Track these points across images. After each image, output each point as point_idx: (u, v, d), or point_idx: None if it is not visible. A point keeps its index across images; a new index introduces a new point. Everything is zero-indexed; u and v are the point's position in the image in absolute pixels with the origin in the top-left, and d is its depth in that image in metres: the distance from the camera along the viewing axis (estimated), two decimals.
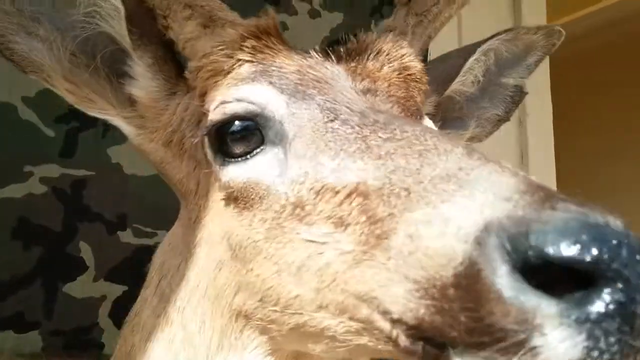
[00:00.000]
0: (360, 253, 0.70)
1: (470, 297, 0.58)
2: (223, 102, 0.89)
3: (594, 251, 0.53)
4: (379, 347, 0.72)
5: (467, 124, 1.32)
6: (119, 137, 1.93)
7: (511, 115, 1.36)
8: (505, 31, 1.28)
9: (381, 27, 1.21)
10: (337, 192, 0.75)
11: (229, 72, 0.92)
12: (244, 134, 0.88)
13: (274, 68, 0.91)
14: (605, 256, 0.53)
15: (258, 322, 0.88)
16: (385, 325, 0.69)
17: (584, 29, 4.03)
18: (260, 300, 0.85)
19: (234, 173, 0.87)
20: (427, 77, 1.07)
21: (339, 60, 1.00)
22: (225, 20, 0.97)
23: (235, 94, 0.89)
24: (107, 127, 1.91)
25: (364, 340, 0.74)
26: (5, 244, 1.76)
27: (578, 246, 0.53)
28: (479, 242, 0.58)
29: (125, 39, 0.98)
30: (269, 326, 0.86)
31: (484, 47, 1.26)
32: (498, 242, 0.57)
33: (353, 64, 1.00)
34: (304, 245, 0.77)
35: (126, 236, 1.73)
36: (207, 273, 0.95)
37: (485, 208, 0.61)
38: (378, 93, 0.94)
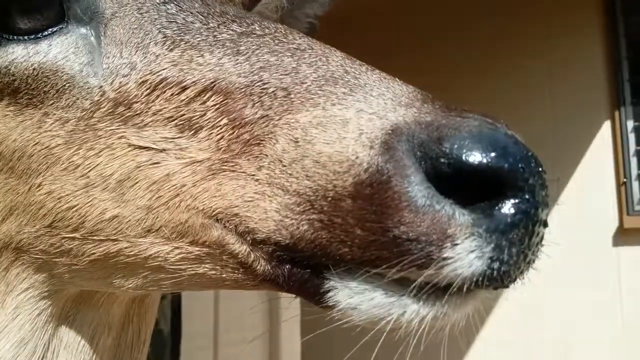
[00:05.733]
0: (219, 162, 0.57)
1: (374, 207, 0.50)
2: None
3: (511, 159, 0.50)
4: (224, 275, 0.60)
5: None
6: None
7: None
8: None
9: None
10: (185, 89, 0.60)
11: None
12: (36, 4, 0.65)
13: None
14: (520, 165, 0.50)
15: (37, 256, 0.67)
16: (241, 249, 0.57)
17: None
18: (50, 225, 0.64)
19: (18, 54, 0.64)
20: None
21: None
22: None
23: None
24: None
25: (204, 269, 0.61)
26: None
27: (495, 153, 0.50)
28: (388, 147, 0.51)
29: None
30: (55, 260, 0.66)
31: None
32: (409, 147, 0.51)
33: None
34: (131, 152, 0.60)
35: None
36: None
37: (388, 112, 0.53)
38: None
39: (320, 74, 0.58)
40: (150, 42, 0.64)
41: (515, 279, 0.52)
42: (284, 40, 0.62)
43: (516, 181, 0.50)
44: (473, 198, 0.51)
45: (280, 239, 0.55)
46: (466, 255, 0.49)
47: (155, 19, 0.65)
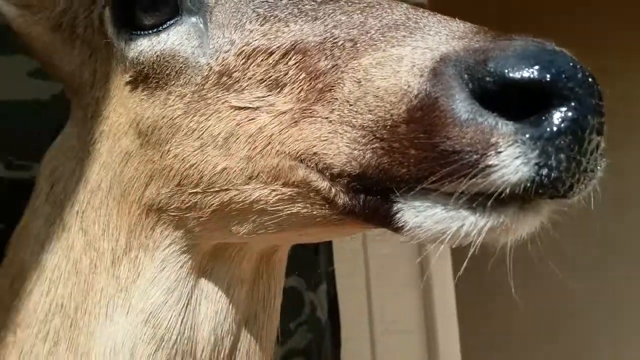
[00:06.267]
0: (299, 111, 0.66)
1: (424, 127, 0.56)
2: None
3: (553, 70, 0.53)
4: (314, 212, 0.69)
5: None
6: None
7: None
8: None
9: None
10: (271, 54, 0.70)
11: None
12: (155, 3, 0.80)
13: None
14: (564, 75, 0.53)
15: (174, 214, 0.81)
16: (323, 185, 0.66)
17: None
18: (179, 184, 0.78)
19: (144, 46, 0.79)
20: None
21: None
22: None
23: None
24: None
25: (297, 208, 0.70)
26: None
27: (537, 66, 0.53)
28: (435, 73, 0.57)
29: None
30: (186, 215, 0.79)
31: None
32: (456, 71, 0.56)
33: None
34: (233, 113, 0.71)
35: None
36: (111, 169, 0.85)
37: (440, 45, 0.59)
38: None
39: (384, 23, 0.65)
40: (246, 22, 0.75)
41: (572, 188, 0.54)
42: (356, 1, 0.70)
43: (560, 90, 0.52)
44: (521, 114, 0.54)
45: (351, 170, 0.62)
46: (511, 162, 0.52)
47: (250, 1, 0.76)
